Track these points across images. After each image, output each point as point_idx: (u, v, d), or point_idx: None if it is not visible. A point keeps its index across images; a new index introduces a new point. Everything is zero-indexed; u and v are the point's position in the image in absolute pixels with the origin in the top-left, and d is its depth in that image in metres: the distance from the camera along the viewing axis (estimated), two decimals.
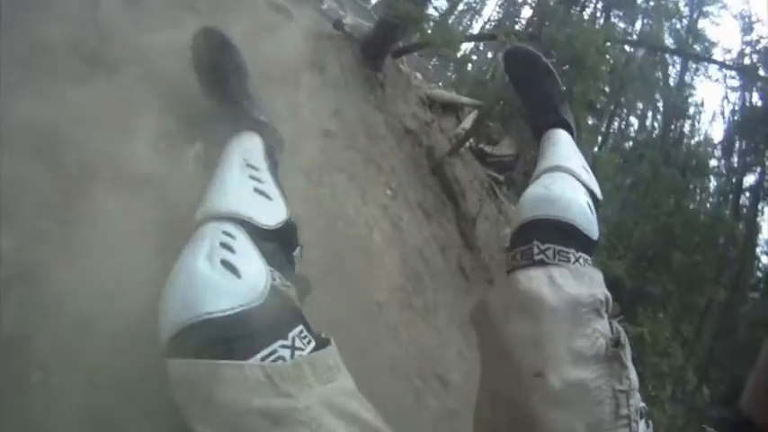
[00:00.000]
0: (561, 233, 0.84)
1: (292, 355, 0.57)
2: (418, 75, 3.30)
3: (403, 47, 2.48)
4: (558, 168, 0.95)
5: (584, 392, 0.70)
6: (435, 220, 1.75)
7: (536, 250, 0.83)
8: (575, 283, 0.77)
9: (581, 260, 0.82)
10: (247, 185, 0.79)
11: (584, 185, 0.94)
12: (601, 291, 0.78)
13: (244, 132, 0.89)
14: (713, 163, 4.52)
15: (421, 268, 1.41)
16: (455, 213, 2.03)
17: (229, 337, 0.55)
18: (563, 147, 1.05)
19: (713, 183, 4.50)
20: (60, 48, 0.85)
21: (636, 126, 4.74)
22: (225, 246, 0.64)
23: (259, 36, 1.29)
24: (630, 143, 4.45)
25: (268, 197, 0.79)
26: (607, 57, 1.62)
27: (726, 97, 4.51)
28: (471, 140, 3.61)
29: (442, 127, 2.88)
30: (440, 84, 3.94)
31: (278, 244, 0.73)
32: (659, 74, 4.28)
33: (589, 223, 0.88)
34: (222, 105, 0.97)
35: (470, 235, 2.08)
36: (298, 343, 0.59)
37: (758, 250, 4.34)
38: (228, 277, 0.60)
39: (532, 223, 0.86)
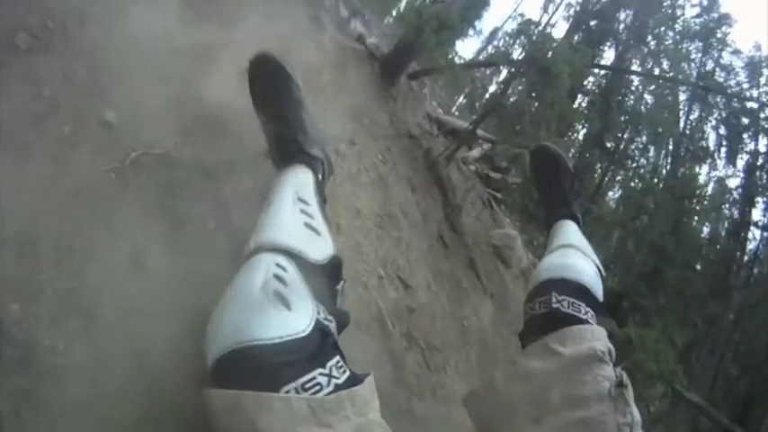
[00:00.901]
0: (575, 290, 0.98)
1: (329, 383, 0.61)
2: (434, 103, 3.77)
3: (417, 70, 2.98)
4: (571, 246, 1.12)
5: (586, 427, 0.79)
6: (420, 194, 2.15)
7: (554, 300, 0.97)
8: (574, 343, 0.89)
9: (589, 315, 0.95)
10: (299, 220, 0.83)
11: (593, 261, 1.11)
12: (602, 343, 0.88)
13: (297, 166, 0.95)
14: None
15: (399, 216, 1.81)
16: (442, 201, 2.42)
17: (273, 364, 0.60)
18: (574, 232, 1.22)
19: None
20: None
21: (646, 164, 5.08)
22: (278, 278, 0.68)
23: (296, 37, 1.81)
24: (638, 181, 4.77)
25: (317, 232, 0.84)
26: (570, 67, 2.02)
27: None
28: (478, 165, 4.00)
29: (459, 161, 3.29)
30: (455, 112, 4.36)
31: (324, 278, 0.78)
32: (667, 114, 4.65)
33: (597, 287, 1.03)
34: (278, 138, 1.01)
35: (455, 220, 2.45)
36: (334, 372, 0.64)
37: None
38: (279, 308, 0.65)
39: (551, 281, 1.00)
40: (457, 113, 4.65)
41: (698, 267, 4.15)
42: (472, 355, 1.89)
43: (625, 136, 5.29)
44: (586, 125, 4.37)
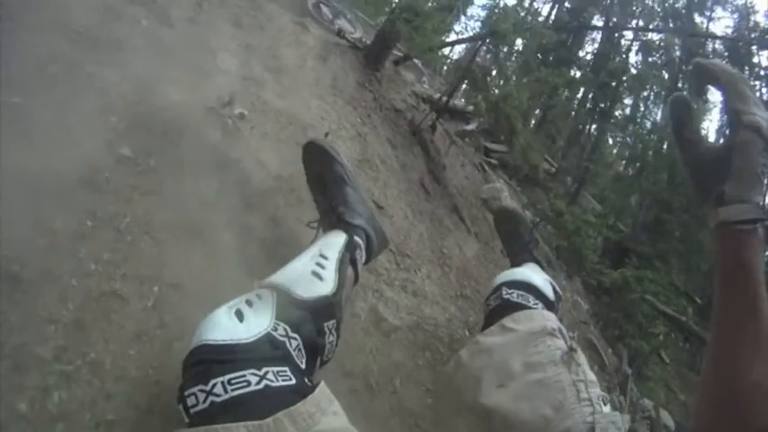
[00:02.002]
0: (523, 286, 1.17)
1: (258, 382, 0.67)
2: (426, 85, 4.17)
3: (400, 56, 3.42)
4: (529, 267, 1.41)
5: (544, 387, 0.88)
6: (401, 150, 2.58)
7: (504, 292, 1.16)
8: (526, 321, 1.04)
9: (539, 305, 1.12)
10: (307, 269, 0.94)
11: (548, 280, 1.32)
12: (552, 322, 1.02)
13: (334, 231, 1.10)
14: None
15: (377, 163, 2.25)
16: (425, 159, 2.81)
17: (210, 360, 0.69)
18: (534, 268, 1.45)
19: None
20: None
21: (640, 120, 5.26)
22: (248, 303, 0.80)
23: (283, 37, 2.31)
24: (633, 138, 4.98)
25: (320, 278, 0.93)
26: (517, 27, 2.39)
27: None
28: (476, 138, 4.37)
29: (446, 127, 3.67)
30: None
31: (305, 311, 0.85)
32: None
33: (546, 287, 1.22)
34: (323, 209, 1.21)
35: (439, 175, 2.83)
36: (270, 376, 0.69)
37: None
38: (233, 320, 0.75)
39: (502, 283, 1.21)
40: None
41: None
42: (450, 275, 2.23)
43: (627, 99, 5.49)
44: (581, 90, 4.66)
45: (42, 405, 0.73)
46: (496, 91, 2.73)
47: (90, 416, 0.77)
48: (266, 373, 0.69)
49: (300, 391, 0.70)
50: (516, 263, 1.52)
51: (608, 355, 3.17)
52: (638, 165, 4.59)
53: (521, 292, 1.15)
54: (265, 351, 0.73)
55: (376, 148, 2.34)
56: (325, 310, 0.90)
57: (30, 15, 1.19)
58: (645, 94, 5.16)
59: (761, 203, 0.63)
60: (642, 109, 5.50)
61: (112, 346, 0.84)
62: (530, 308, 1.11)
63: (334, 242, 1.06)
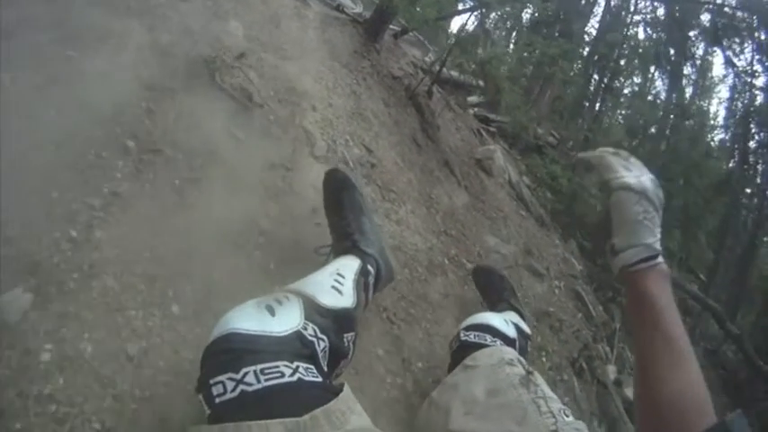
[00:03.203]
0: (480, 327, 1.26)
1: (293, 374, 0.68)
2: (430, 57, 4.37)
3: (399, 30, 3.67)
4: (504, 314, 1.49)
5: (507, 407, 0.95)
6: (394, 109, 2.85)
7: (462, 335, 1.26)
8: (484, 357, 1.12)
9: (497, 342, 1.21)
10: (327, 282, 0.98)
11: (513, 323, 1.42)
12: (510, 354, 1.12)
13: (349, 256, 1.15)
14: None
15: (370, 117, 2.53)
16: (419, 119, 3.04)
17: (241, 348, 0.68)
18: (510, 315, 1.54)
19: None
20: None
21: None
22: (277, 300, 0.80)
23: (286, 11, 2.62)
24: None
25: (340, 293, 0.96)
26: None
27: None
28: (477, 109, 4.59)
29: (444, 95, 3.88)
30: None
31: (328, 319, 0.86)
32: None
33: (506, 326, 1.32)
34: (338, 234, 1.24)
35: (432, 134, 3.06)
36: (302, 371, 0.69)
37: None
38: (263, 313, 0.75)
39: (463, 327, 1.31)
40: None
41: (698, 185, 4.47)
42: (437, 216, 2.44)
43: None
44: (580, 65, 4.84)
45: None
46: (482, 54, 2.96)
47: None
48: (298, 367, 0.70)
49: (330, 389, 0.71)
50: (495, 311, 1.63)
51: (596, 309, 3.35)
52: (639, 137, 4.76)
53: (477, 333, 1.25)
54: (296, 347, 0.74)
55: (369, 104, 2.63)
56: (346, 321, 0.92)
57: None
58: (652, 70, 5.30)
59: (653, 242, 0.73)
60: (648, 85, 5.65)
61: None
62: (487, 345, 1.20)
63: (350, 264, 1.10)
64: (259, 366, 0.66)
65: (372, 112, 2.60)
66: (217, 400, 0.64)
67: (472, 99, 4.50)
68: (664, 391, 0.61)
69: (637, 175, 0.78)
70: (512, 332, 1.34)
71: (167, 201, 1.28)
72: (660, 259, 0.73)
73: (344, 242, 1.21)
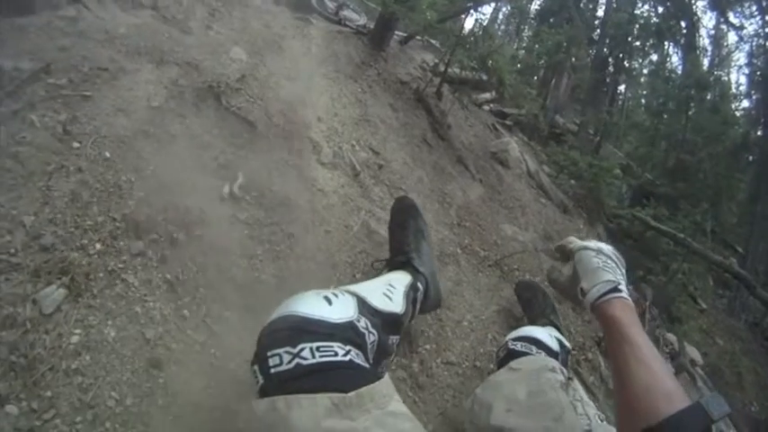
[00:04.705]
0: (527, 339, 1.34)
1: (345, 354, 0.75)
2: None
3: (405, 36, 3.78)
4: (546, 329, 1.55)
5: (546, 406, 1.02)
6: (402, 112, 2.94)
7: (510, 344, 1.33)
8: (528, 363, 1.19)
9: (541, 354, 1.28)
10: (379, 289, 1.06)
11: (554, 336, 1.49)
12: (553, 363, 1.18)
13: (402, 271, 1.26)
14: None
15: (377, 121, 2.64)
16: (428, 119, 3.11)
17: (300, 328, 0.75)
18: (551, 330, 1.58)
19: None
20: None
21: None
22: (333, 294, 0.88)
23: (288, 32, 2.79)
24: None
25: (390, 299, 1.05)
26: None
27: None
28: (492, 105, 4.63)
29: (455, 94, 3.93)
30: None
31: (378, 319, 0.94)
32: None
33: (550, 341, 1.38)
34: (395, 250, 1.36)
35: (443, 133, 3.11)
36: (353, 354, 0.76)
37: None
38: (321, 301, 0.83)
39: (510, 337, 1.38)
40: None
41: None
42: (450, 210, 2.51)
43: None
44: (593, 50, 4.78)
45: None
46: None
47: None
48: (350, 350, 0.76)
49: (376, 375, 0.77)
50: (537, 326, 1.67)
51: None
52: (663, 115, 4.65)
53: (524, 343, 1.32)
54: (349, 335, 0.81)
55: (376, 110, 2.74)
56: (393, 324, 1.00)
57: None
58: (666, 45, 5.17)
59: (613, 279, 0.87)
60: (664, 62, 5.51)
61: None
62: (533, 355, 1.27)
63: (401, 278, 1.19)
64: (315, 344, 0.72)
65: (379, 117, 2.71)
66: (272, 371, 0.71)
67: (485, 96, 4.53)
68: (633, 386, 0.69)
69: (594, 242, 0.97)
70: (555, 346, 1.41)
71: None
72: (622, 293, 0.86)
73: (400, 257, 1.32)
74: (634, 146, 5.34)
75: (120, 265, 1.22)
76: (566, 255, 1.01)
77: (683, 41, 5.01)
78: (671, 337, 3.20)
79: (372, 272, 1.61)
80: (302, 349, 0.71)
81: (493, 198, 3.01)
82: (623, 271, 0.92)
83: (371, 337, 0.87)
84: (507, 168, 3.48)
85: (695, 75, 4.50)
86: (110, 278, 1.18)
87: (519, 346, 1.31)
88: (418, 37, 3.77)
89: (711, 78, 4.76)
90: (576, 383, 1.15)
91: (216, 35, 2.26)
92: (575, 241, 1.00)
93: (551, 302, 1.89)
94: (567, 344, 1.59)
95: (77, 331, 1.03)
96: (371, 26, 3.51)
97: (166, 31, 2.03)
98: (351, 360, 0.75)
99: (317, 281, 1.56)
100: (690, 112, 4.25)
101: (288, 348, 0.71)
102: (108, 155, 1.38)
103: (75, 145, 1.33)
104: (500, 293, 2.11)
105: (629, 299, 0.86)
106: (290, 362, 0.70)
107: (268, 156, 1.88)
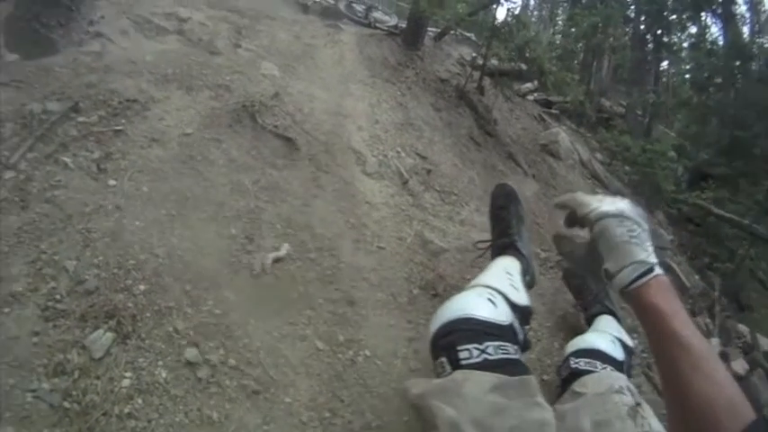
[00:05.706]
0: (589, 353, 1.27)
1: (516, 351, 0.95)
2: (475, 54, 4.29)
3: (439, 32, 3.64)
4: (594, 331, 1.47)
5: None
6: (445, 112, 2.80)
7: (572, 363, 1.25)
8: (593, 384, 1.13)
9: (607, 368, 1.22)
10: (504, 277, 1.18)
11: (614, 337, 1.41)
12: (619, 381, 1.11)
13: (509, 255, 1.33)
14: None
15: (420, 124, 2.51)
16: (473, 117, 2.97)
17: (480, 330, 0.93)
18: (605, 322, 1.52)
19: None
20: None
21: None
22: (490, 296, 1.04)
23: (318, 40, 2.73)
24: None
25: (516, 289, 1.15)
26: None
27: None
28: (536, 95, 4.41)
29: (499, 86, 3.77)
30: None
31: (519, 315, 1.07)
32: None
33: (612, 348, 1.33)
34: (500, 234, 1.43)
35: (490, 129, 2.96)
36: (519, 352, 0.98)
37: None
38: (488, 304, 1.01)
39: (570, 354, 1.30)
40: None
41: None
42: None
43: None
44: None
45: None
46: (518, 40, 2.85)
47: None
48: (517, 349, 0.96)
49: (527, 369, 0.94)
50: (589, 317, 1.63)
51: (692, 279, 2.97)
52: (710, 90, 4.22)
53: (587, 360, 1.25)
54: (512, 335, 0.99)
55: (418, 112, 2.62)
56: (526, 316, 1.13)
57: None
58: (703, 16, 4.72)
59: (645, 257, 0.73)
60: (705, 34, 5.04)
61: None
62: (597, 372, 1.21)
63: (512, 264, 1.28)
64: (497, 343, 0.91)
65: (422, 119, 2.58)
66: (462, 362, 0.88)
67: (528, 86, 4.33)
68: (689, 397, 0.60)
69: (610, 202, 0.80)
70: (619, 353, 1.33)
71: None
72: (657, 271, 0.73)
73: (504, 239, 1.39)
74: (684, 124, 4.92)
75: (168, 304, 1.15)
76: (577, 220, 0.82)
77: (719, 11, 4.55)
78: (743, 328, 2.89)
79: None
80: (488, 346, 0.89)
81: (547, 193, 2.83)
82: (647, 227, 0.77)
83: (521, 336, 1.04)
84: (559, 160, 3.29)
85: (737, 45, 4.07)
86: (157, 318, 1.11)
87: (582, 364, 1.23)
88: (452, 31, 3.60)
89: (754, 47, 4.29)
90: (646, 408, 1.03)
91: (245, 52, 2.21)
92: (589, 204, 0.80)
93: (603, 286, 1.70)
94: (630, 342, 1.46)
95: (128, 374, 0.99)
96: (403, 26, 3.41)
97: (193, 54, 2.00)
98: (518, 358, 0.94)
99: (371, 303, 1.45)
100: (736, 85, 3.83)
101: (475, 345, 0.89)
102: (146, 189, 1.33)
103: (111, 183, 1.29)
104: (564, 296, 1.92)
105: (663, 273, 0.72)
106: (478, 356, 0.88)
107: (310, 173, 1.79)
